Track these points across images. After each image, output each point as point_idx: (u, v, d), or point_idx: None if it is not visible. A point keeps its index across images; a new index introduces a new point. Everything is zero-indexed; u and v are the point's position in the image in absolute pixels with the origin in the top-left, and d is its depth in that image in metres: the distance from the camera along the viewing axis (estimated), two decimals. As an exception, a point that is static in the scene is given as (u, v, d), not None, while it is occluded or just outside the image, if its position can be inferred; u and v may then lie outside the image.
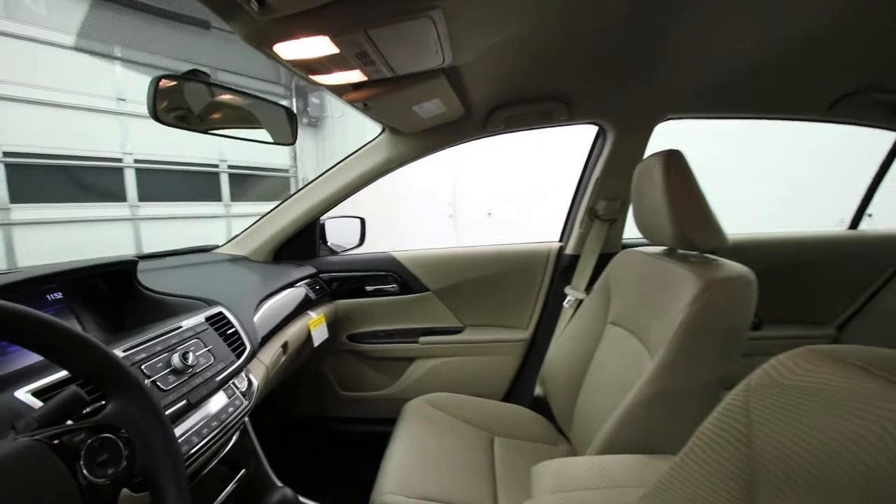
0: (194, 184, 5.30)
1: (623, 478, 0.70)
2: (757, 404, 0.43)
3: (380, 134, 1.36)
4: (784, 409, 0.41)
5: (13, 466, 0.36)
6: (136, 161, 4.71)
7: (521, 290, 1.52)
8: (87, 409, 0.48)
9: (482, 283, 1.52)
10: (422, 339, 1.53)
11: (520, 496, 0.96)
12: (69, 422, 0.43)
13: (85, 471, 0.40)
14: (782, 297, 1.42)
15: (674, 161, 0.92)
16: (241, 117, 0.84)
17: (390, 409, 1.29)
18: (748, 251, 0.91)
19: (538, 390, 1.37)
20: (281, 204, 1.45)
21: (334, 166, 1.42)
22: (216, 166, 5.49)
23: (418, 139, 1.34)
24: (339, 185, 1.40)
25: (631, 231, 1.42)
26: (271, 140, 0.94)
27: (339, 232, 1.64)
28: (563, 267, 1.48)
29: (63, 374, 0.58)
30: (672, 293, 0.89)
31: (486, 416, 1.26)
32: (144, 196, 4.83)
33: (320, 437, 1.62)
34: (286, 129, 0.94)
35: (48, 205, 3.94)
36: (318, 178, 1.43)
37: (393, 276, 1.53)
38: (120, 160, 4.58)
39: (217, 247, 1.48)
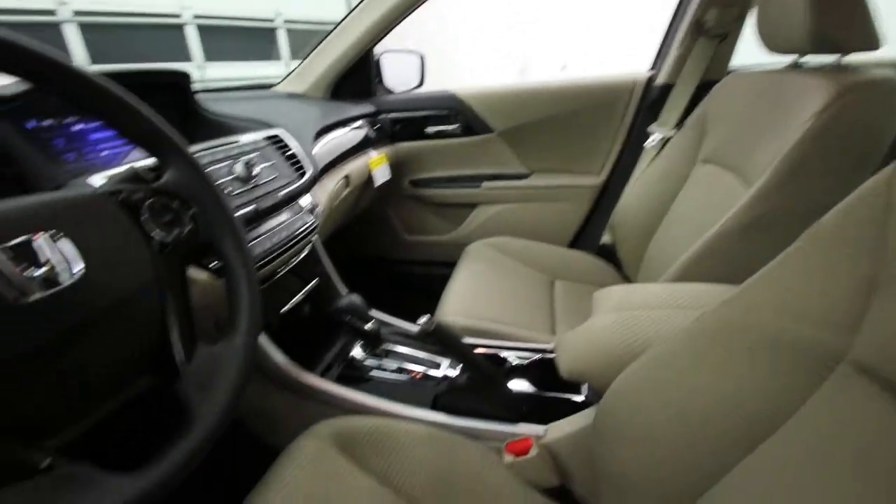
0: (252, 42, 5.16)
1: (700, 302, 0.65)
2: None
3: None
4: None
5: (82, 204, 0.36)
6: (196, 17, 4.60)
7: (596, 131, 1.36)
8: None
9: (553, 123, 1.37)
10: (485, 184, 1.47)
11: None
12: None
13: (151, 227, 0.40)
14: None
15: None
16: None
17: (453, 253, 1.30)
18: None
19: (606, 237, 1.31)
20: (329, 34, 1.33)
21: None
22: (272, 21, 5.24)
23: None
24: (388, 6, 1.22)
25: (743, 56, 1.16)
26: None
27: (396, 70, 1.51)
28: (650, 101, 1.27)
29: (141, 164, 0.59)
30: (792, 107, 0.72)
31: (549, 261, 1.24)
32: (208, 57, 4.81)
33: (385, 276, 1.73)
34: None
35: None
36: (360, 3, 1.26)
37: (455, 115, 1.42)
38: (179, 16, 4.48)
39: (274, 85, 1.43)
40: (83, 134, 0.73)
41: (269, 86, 1.44)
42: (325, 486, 0.57)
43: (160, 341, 0.40)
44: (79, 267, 0.33)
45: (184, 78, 0.82)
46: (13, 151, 0.52)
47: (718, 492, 0.40)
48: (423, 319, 0.62)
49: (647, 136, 1.26)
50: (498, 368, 0.70)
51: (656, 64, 1.30)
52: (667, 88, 1.23)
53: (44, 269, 0.31)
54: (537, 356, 0.84)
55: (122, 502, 0.30)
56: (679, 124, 1.19)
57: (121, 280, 0.36)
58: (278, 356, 0.76)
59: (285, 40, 5.37)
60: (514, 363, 0.84)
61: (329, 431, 0.64)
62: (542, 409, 0.73)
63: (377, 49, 1.39)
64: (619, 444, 0.51)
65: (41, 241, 0.32)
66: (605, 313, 0.68)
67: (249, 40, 5.13)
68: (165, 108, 0.86)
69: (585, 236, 1.44)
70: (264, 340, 0.75)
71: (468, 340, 0.89)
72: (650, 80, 1.28)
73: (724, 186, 0.87)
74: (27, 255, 0.31)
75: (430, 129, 1.46)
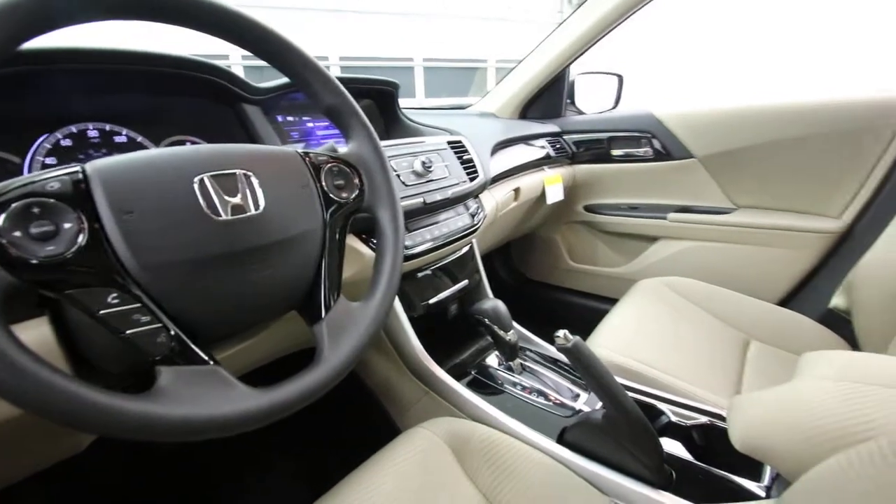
0: (461, 80, 5.83)
1: None
2: None
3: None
4: None
5: (278, 157, 0.45)
6: (425, 59, 5.42)
7: (838, 163, 1.05)
8: None
9: (775, 149, 1.12)
10: (672, 216, 1.28)
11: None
12: None
13: (324, 183, 0.47)
14: None
15: None
16: None
17: (621, 289, 1.15)
18: None
19: (838, 300, 0.98)
20: (524, 58, 1.37)
21: (575, 11, 1.22)
22: (485, 61, 5.79)
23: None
24: (584, 28, 1.19)
25: None
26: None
27: (590, 91, 1.47)
28: None
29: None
30: None
31: (747, 316, 0.98)
32: (428, 94, 5.62)
33: (540, 300, 1.66)
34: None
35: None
36: (559, 25, 1.26)
37: (647, 138, 1.29)
38: (411, 59, 5.34)
39: (470, 106, 1.56)
40: (313, 130, 0.91)
41: (466, 106, 1.56)
42: (430, 479, 0.56)
43: (312, 285, 0.45)
44: (262, 204, 0.40)
45: (394, 86, 0.96)
46: (258, 131, 0.68)
47: None
48: (560, 333, 0.56)
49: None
50: (644, 417, 0.58)
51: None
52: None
53: (236, 199, 0.39)
54: (705, 419, 0.67)
55: (245, 406, 0.35)
56: None
57: (292, 222, 0.43)
58: (416, 343, 0.79)
59: (493, 77, 5.86)
60: (673, 420, 0.69)
61: (446, 429, 0.63)
62: (695, 484, 0.58)
63: (573, 71, 1.38)
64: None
65: (240, 177, 0.39)
66: (817, 379, 0.50)
67: (463, 78, 5.80)
68: (375, 112, 1.02)
69: (806, 295, 1.11)
70: (406, 326, 0.80)
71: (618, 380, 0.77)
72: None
73: None
74: (229, 185, 0.39)
75: (617, 152, 1.36)
